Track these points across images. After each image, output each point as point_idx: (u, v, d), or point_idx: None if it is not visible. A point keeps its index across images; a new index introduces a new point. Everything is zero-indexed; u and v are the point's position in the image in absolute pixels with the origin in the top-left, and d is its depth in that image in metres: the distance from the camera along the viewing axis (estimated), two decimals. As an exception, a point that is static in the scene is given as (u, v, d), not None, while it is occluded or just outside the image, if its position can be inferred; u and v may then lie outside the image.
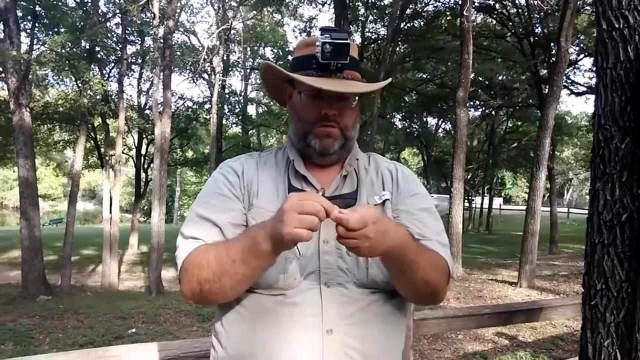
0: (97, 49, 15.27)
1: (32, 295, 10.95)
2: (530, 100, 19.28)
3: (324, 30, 1.15)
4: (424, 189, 1.36)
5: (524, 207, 12.63)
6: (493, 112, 23.26)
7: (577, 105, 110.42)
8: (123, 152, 18.69)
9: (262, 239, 1.00)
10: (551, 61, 15.12)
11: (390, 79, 1.37)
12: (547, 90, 11.41)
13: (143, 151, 22.34)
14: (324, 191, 1.00)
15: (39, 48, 15.01)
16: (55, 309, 9.03)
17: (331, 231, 1.18)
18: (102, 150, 18.40)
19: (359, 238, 0.96)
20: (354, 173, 1.28)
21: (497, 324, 3.20)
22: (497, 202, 39.18)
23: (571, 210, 37.21)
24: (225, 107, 22.94)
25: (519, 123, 25.93)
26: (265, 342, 1.13)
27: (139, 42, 18.71)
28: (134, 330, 7.32)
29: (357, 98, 1.24)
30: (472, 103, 20.88)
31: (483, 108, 22.99)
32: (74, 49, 14.36)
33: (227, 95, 23.34)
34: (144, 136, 21.35)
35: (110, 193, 16.28)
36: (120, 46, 16.46)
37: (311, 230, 0.94)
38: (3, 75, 11.66)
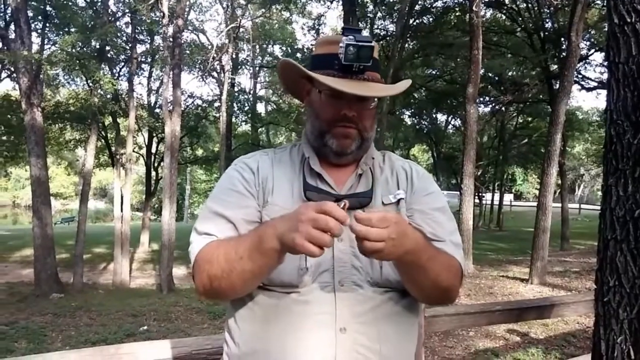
0: (107, 48, 15.38)
1: (45, 293, 11.06)
2: (541, 96, 19.13)
3: (347, 30, 1.15)
4: (438, 187, 1.36)
5: (534, 203, 12.53)
6: (503, 108, 23.11)
7: (588, 101, 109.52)
8: (133, 151, 18.81)
9: (270, 238, 1.01)
10: (561, 56, 14.98)
11: (409, 81, 1.37)
12: (557, 85, 11.32)
13: (153, 150, 22.44)
14: (346, 204, 0.98)
15: (49, 48, 15.18)
16: (68, 307, 9.12)
17: (346, 230, 1.20)
18: (113, 149, 18.51)
19: (379, 239, 0.95)
20: (369, 172, 1.28)
21: (509, 320, 3.19)
22: (508, 198, 38.97)
23: (582, 206, 37.02)
24: (235, 105, 22.96)
25: (530, 119, 25.73)
26: (278, 340, 1.13)
27: (149, 41, 18.82)
28: (145, 327, 7.37)
29: (375, 100, 1.25)
30: (482, 99, 20.79)
31: (493, 104, 22.83)
32: (85, 49, 14.46)
33: (236, 94, 23.39)
34: (154, 135, 21.45)
35: (121, 191, 16.39)
36: (130, 45, 16.58)
37: (324, 247, 0.93)
38: (15, 75, 11.76)
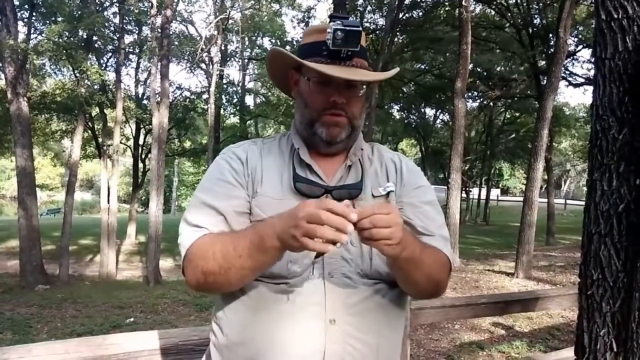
0: (95, 38, 15.23)
1: (31, 285, 10.98)
2: (529, 92, 19.24)
3: (334, 17, 1.14)
4: (427, 181, 1.36)
5: (521, 198, 12.66)
6: (491, 104, 23.21)
7: (575, 97, 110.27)
8: (121, 142, 18.63)
9: (270, 237, 1.00)
10: (550, 52, 15.08)
11: (397, 68, 1.39)
12: (545, 81, 11.40)
13: (141, 141, 22.29)
14: (352, 203, 0.97)
15: (36, 37, 14.96)
16: (54, 299, 9.07)
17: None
18: (100, 140, 18.34)
19: (387, 235, 0.95)
20: (358, 163, 1.27)
21: (494, 313, 3.22)
22: (495, 193, 39.27)
23: (568, 201, 37.33)
24: (223, 97, 22.89)
25: (517, 114, 25.91)
26: (267, 330, 1.13)
27: (137, 32, 18.67)
28: (132, 319, 7.35)
29: (364, 87, 1.24)
30: (470, 94, 20.86)
31: (481, 99, 22.96)
32: (72, 39, 14.32)
33: (224, 86, 23.29)
34: (142, 126, 21.30)
35: (108, 183, 16.27)
36: (117, 36, 16.40)
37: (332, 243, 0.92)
38: (0, 64, 11.59)
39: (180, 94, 22.26)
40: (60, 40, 13.26)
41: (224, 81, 23.63)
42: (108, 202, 15.81)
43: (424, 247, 1.12)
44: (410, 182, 1.30)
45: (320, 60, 1.17)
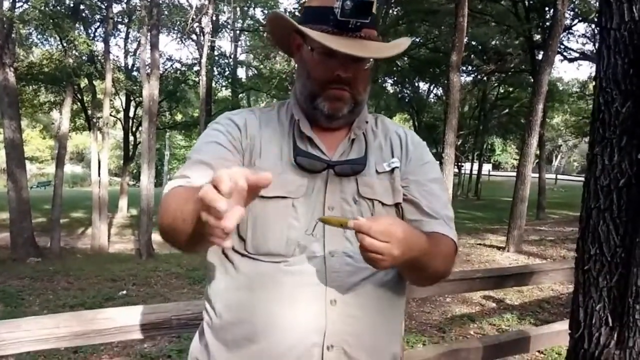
0: (82, 7, 14.86)
1: (22, 258, 10.95)
2: (523, 66, 19.16)
3: None
4: (432, 157, 1.31)
5: (512, 174, 12.73)
6: (485, 78, 23.12)
7: (569, 72, 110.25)
8: (111, 115, 18.43)
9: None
10: (545, 26, 14.96)
11: (409, 39, 1.28)
12: (541, 55, 11.31)
13: (131, 114, 22.03)
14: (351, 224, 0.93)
15: (21, 6, 14.58)
16: (45, 271, 9.03)
17: (336, 198, 1.16)
18: (90, 112, 18.12)
19: (382, 253, 0.91)
20: (362, 137, 1.22)
21: (488, 287, 3.23)
22: (486, 168, 39.42)
23: (559, 176, 37.57)
24: (215, 69, 22.56)
25: (511, 89, 25.85)
26: (265, 310, 1.09)
27: (126, 0, 18.23)
28: (124, 292, 7.34)
29: (371, 60, 1.16)
30: (464, 68, 20.71)
31: (475, 73, 22.83)
32: (58, 7, 13.97)
33: (216, 57, 22.94)
34: (132, 98, 21.04)
35: (98, 156, 16.13)
36: (105, 4, 16.01)
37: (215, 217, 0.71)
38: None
39: (171, 65, 21.95)
40: (47, 8, 12.93)
41: (216, 53, 23.27)
42: (99, 175, 15.71)
43: (432, 249, 1.07)
44: (416, 158, 1.25)
45: (326, 30, 1.08)
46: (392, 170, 1.20)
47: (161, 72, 16.66)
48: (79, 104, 19.06)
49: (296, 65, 1.26)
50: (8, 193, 11.37)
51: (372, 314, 1.14)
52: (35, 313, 6.16)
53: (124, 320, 1.90)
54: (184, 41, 22.92)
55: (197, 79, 20.99)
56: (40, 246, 12.28)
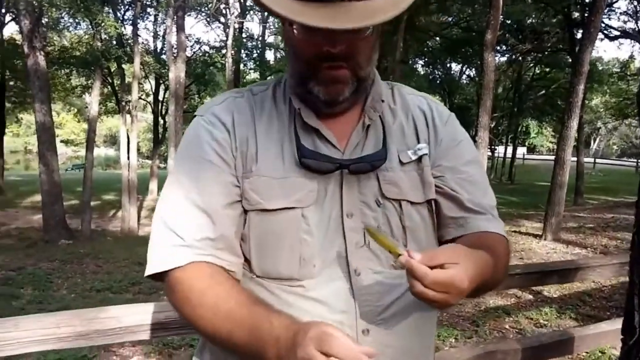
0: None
1: (54, 240, 11.09)
2: (561, 45, 18.43)
3: None
4: (465, 131, 1.08)
5: (548, 157, 12.21)
6: (521, 58, 22.38)
7: (609, 51, 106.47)
8: (140, 98, 18.55)
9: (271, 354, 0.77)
10: (585, 2, 14.27)
11: None
12: (580, 33, 10.76)
13: (160, 97, 22.14)
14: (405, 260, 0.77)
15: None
16: (76, 254, 9.11)
17: (355, 202, 0.93)
18: (120, 95, 18.24)
19: (435, 302, 0.75)
20: (378, 121, 0.98)
21: (529, 285, 2.99)
22: (521, 151, 38.46)
23: (597, 160, 36.46)
24: (243, 52, 22.40)
25: (547, 69, 24.97)
26: None
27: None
28: (151, 276, 7.31)
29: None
30: (499, 48, 20.06)
31: (510, 53, 22.09)
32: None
33: (244, 40, 22.77)
34: (161, 82, 21.10)
35: (127, 139, 16.23)
36: (133, -13, 15.99)
37: None
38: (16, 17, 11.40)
39: (199, 48, 21.92)
40: (76, -8, 12.95)
41: (244, 35, 23.09)
42: (128, 158, 15.80)
43: (493, 264, 0.87)
44: (448, 138, 1.02)
45: None
46: (420, 158, 0.98)
47: (189, 55, 16.59)
48: (109, 87, 19.20)
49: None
50: (40, 176, 11.48)
51: (406, 337, 0.93)
52: (63, 297, 6.18)
53: (130, 320, 1.75)
54: (210, 23, 22.82)
55: (225, 62, 20.92)
56: (72, 228, 12.44)
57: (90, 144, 14.37)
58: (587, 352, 3.56)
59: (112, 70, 18.32)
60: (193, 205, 0.89)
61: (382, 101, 1.00)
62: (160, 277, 0.90)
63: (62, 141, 50.84)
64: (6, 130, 21.07)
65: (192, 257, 0.86)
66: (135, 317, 1.75)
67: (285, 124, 0.97)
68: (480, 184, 1.01)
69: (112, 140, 57.06)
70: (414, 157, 0.98)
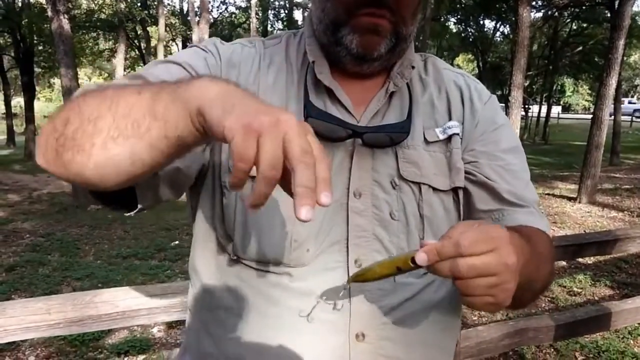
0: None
1: (83, 205, 11.20)
2: (599, -1, 17.50)
3: None
4: (505, 115, 0.89)
5: (584, 116, 11.65)
6: (557, 13, 21.37)
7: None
8: (167, 61, 18.44)
9: (191, 102, 0.50)
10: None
11: None
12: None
13: (187, 60, 22.04)
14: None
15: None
16: (104, 219, 9.20)
17: (366, 179, 0.77)
18: (145, 59, 18.18)
19: (493, 272, 0.55)
20: (405, 89, 0.83)
21: (564, 259, 2.78)
22: (555, 110, 37.31)
23: (635, 119, 35.17)
24: (270, 12, 21.98)
25: (585, 25, 23.87)
26: (259, 346, 0.74)
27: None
28: (177, 242, 7.33)
29: None
30: (534, 3, 19.17)
31: (547, 8, 21.12)
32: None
33: (270, -1, 22.34)
34: (188, 44, 20.93)
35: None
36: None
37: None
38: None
39: (225, 9, 21.60)
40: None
41: (270, -6, 22.65)
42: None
43: (535, 251, 0.68)
44: (486, 121, 0.85)
45: None
46: (449, 138, 0.82)
47: (215, 16, 16.32)
48: (136, 51, 19.15)
49: None
50: (67, 142, 11.58)
51: (415, 350, 0.76)
52: (89, 264, 6.23)
53: (126, 304, 1.65)
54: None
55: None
56: (102, 193, 12.61)
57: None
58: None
59: (139, 33, 18.22)
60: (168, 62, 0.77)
61: (412, 67, 0.83)
62: None
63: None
64: (39, 95, 21.33)
65: None
66: (133, 300, 1.65)
67: (294, 79, 0.82)
68: (521, 175, 0.85)
69: (142, 105, 57.74)
70: (442, 136, 0.82)
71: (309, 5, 0.85)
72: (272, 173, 0.43)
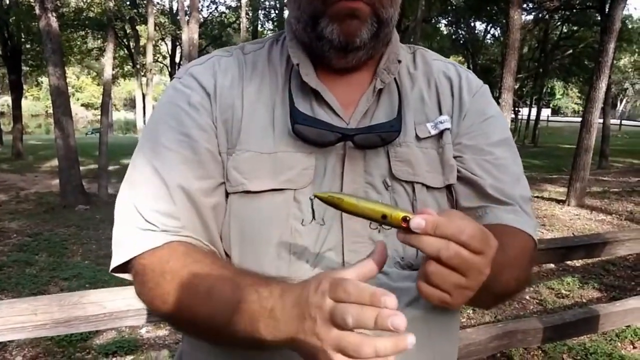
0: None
1: (71, 205, 11.11)
2: (590, 3, 17.62)
3: None
4: (497, 107, 0.87)
5: (573, 119, 11.78)
6: (548, 16, 21.53)
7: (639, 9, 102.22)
8: (157, 61, 18.34)
9: (269, 333, 0.58)
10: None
11: None
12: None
13: (177, 59, 21.92)
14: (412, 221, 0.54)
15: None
16: (92, 219, 9.14)
17: (359, 182, 0.75)
18: (135, 58, 18.08)
19: (470, 271, 0.54)
20: (393, 85, 0.80)
21: (553, 261, 2.80)
22: (545, 113, 37.59)
23: (623, 122, 35.59)
24: (260, 12, 21.95)
25: (575, 28, 24.07)
26: (256, 356, 0.71)
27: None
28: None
29: None
30: (525, 5, 19.30)
31: (537, 11, 21.27)
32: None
33: (261, -1, 22.31)
34: (178, 44, 20.84)
35: (143, 102, 16.12)
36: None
37: None
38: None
39: (215, 8, 21.55)
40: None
41: (261, -6, 22.61)
42: (144, 122, 15.73)
43: (503, 259, 0.64)
44: (475, 112, 0.82)
45: None
46: (441, 133, 0.80)
47: (205, 16, 16.26)
48: (125, 50, 19.04)
49: None
50: (56, 141, 11.44)
51: (416, 355, 0.74)
52: (76, 264, 6.17)
53: (114, 305, 1.63)
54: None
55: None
56: (91, 193, 12.47)
57: (105, 107, 14.23)
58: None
59: (128, 32, 18.11)
60: (168, 187, 0.74)
61: (399, 62, 0.81)
62: (125, 269, 0.76)
63: (82, 105, 51.21)
64: (27, 94, 21.13)
65: (162, 238, 0.71)
66: (121, 302, 1.63)
67: (279, 86, 0.79)
68: (510, 170, 0.82)
69: (132, 104, 57.10)
70: (433, 132, 0.80)
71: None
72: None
